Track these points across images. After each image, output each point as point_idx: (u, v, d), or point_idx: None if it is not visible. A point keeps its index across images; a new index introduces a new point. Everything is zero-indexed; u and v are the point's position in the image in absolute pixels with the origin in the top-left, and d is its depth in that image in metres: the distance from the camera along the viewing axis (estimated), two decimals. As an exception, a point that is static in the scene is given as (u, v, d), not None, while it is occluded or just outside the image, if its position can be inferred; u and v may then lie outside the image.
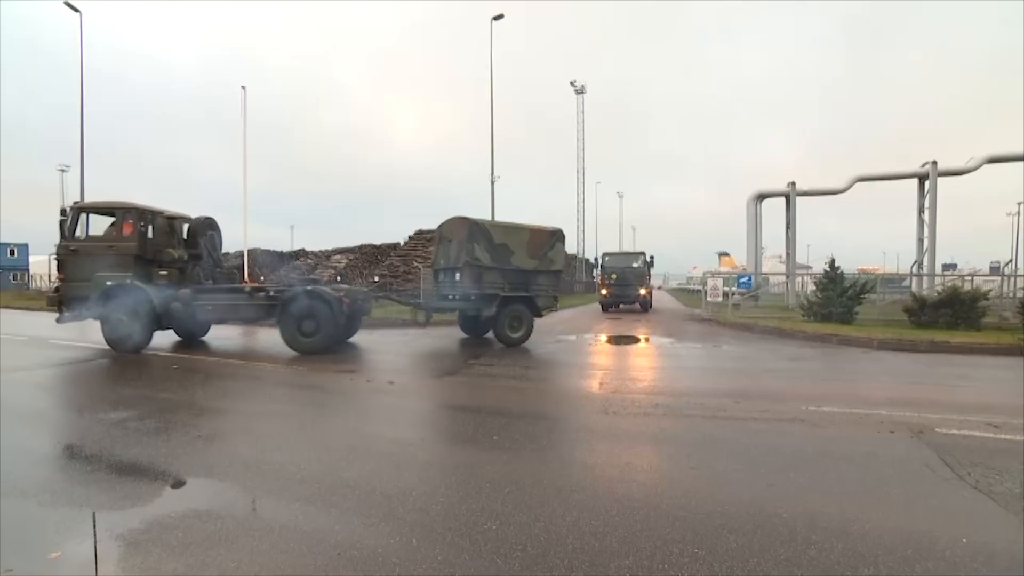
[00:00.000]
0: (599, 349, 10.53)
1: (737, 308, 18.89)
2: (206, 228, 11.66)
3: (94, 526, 2.87)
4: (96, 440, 4.36)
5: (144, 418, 5.06)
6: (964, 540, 2.74)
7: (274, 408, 5.56)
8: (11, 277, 43.07)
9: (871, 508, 3.10)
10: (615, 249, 27.88)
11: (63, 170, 47.76)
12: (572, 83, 49.22)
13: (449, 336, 12.53)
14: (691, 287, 49.33)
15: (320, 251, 42.14)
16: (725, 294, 20.43)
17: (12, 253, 44.35)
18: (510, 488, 3.35)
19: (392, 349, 10.23)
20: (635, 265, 22.26)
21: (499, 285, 10.91)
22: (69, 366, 8.06)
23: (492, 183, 20.15)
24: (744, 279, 21.84)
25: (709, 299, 19.45)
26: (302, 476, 3.53)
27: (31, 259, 45.77)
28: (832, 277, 15.19)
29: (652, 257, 22.90)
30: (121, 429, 4.68)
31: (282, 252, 44.05)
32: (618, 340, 12.00)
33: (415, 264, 31.39)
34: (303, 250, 44.32)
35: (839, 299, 14.79)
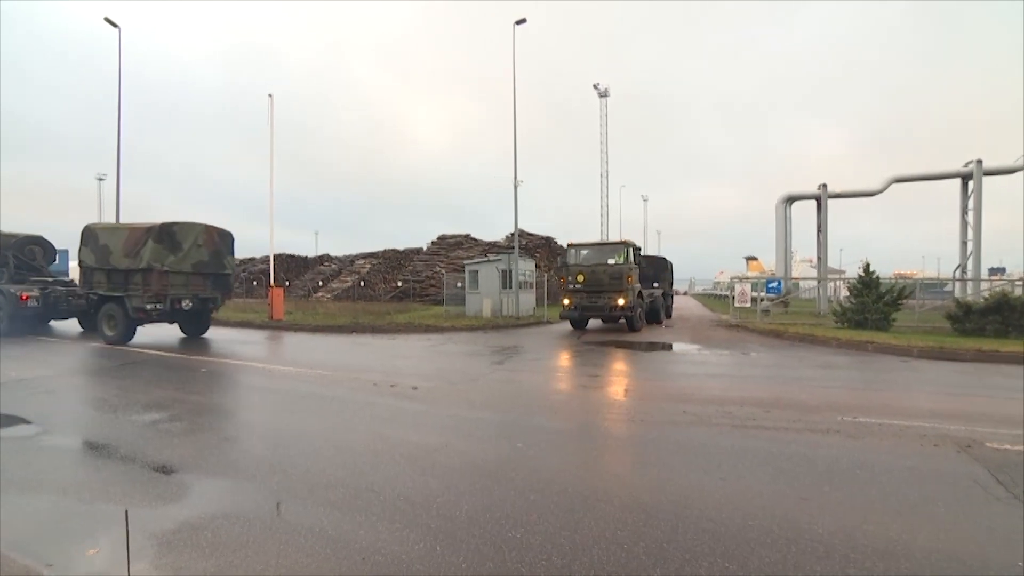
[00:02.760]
0: (624, 356, 10.43)
1: (766, 314, 18.51)
2: (25, 244, 14.86)
3: (127, 524, 2.97)
4: (130, 441, 4.51)
5: (175, 420, 5.21)
6: (1021, 564, 2.62)
7: (300, 412, 5.65)
8: (48, 282, 44.81)
9: (916, 527, 2.97)
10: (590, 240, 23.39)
11: (100, 179, 49.71)
12: (595, 86, 49.13)
13: (473, 342, 12.58)
14: (718, 292, 48.53)
15: (344, 256, 42.86)
16: (753, 299, 20.04)
17: (55, 259, 46.17)
18: (535, 496, 3.34)
19: (416, 354, 10.32)
20: (612, 262, 14.83)
21: (102, 285, 11.99)
22: (106, 370, 8.35)
23: (515, 187, 20.19)
24: (773, 284, 21.35)
25: (737, 304, 19.11)
26: (327, 480, 3.59)
27: (71, 264, 47.58)
28: (867, 282, 14.75)
29: (641, 257, 22.34)
30: (154, 430, 4.83)
31: (306, 257, 44.91)
32: (644, 347, 11.88)
33: (438, 269, 31.64)
34: (327, 255, 45.13)
35: (875, 305, 14.35)
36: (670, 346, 12.03)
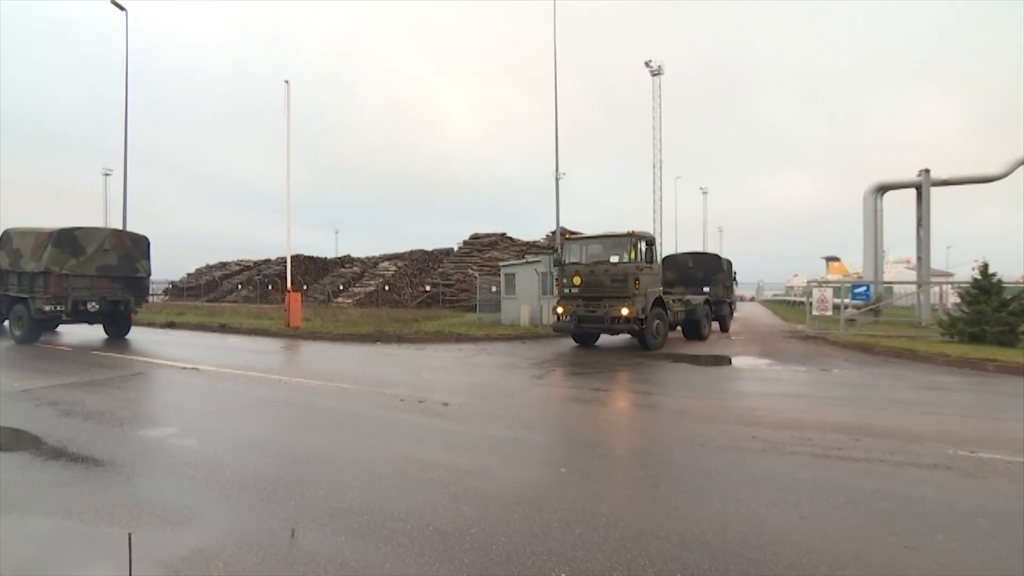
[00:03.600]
0: (681, 371, 10.23)
1: (852, 324, 17.78)
2: None
3: (130, 551, 3.08)
4: (137, 461, 4.70)
5: (184, 436, 5.40)
6: None
7: (319, 430, 5.77)
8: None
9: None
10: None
11: (107, 174, 52.67)
12: (647, 63, 48.62)
13: (510, 353, 12.60)
14: (791, 298, 47.03)
15: (367, 258, 43.86)
16: (835, 307, 19.28)
17: None
18: (581, 529, 3.28)
19: (447, 366, 10.41)
20: (615, 259, 13.18)
21: (13, 287, 14.18)
22: (111, 380, 8.78)
23: (556, 180, 20.16)
24: (860, 289, 20.30)
25: (815, 313, 18.44)
26: (349, 506, 3.63)
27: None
28: (985, 287, 13.78)
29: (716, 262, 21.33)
30: (163, 449, 5.02)
31: (326, 259, 46.18)
32: (704, 361, 11.63)
33: (470, 271, 31.91)
34: (348, 257, 46.28)
35: (995, 315, 13.36)
36: (733, 360, 11.71)
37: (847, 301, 19.04)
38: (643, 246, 13.22)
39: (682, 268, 19.76)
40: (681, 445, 5.14)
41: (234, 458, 4.70)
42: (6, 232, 14.58)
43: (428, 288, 34.21)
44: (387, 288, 35.52)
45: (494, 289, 22.51)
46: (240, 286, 45.96)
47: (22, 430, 5.64)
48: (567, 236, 14.32)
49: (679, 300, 15.49)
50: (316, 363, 11.04)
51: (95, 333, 16.28)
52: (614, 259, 13.22)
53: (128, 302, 15.10)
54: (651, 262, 13.44)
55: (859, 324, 18.17)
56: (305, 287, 39.82)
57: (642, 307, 12.90)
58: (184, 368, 9.78)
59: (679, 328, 15.98)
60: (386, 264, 39.78)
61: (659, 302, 13.61)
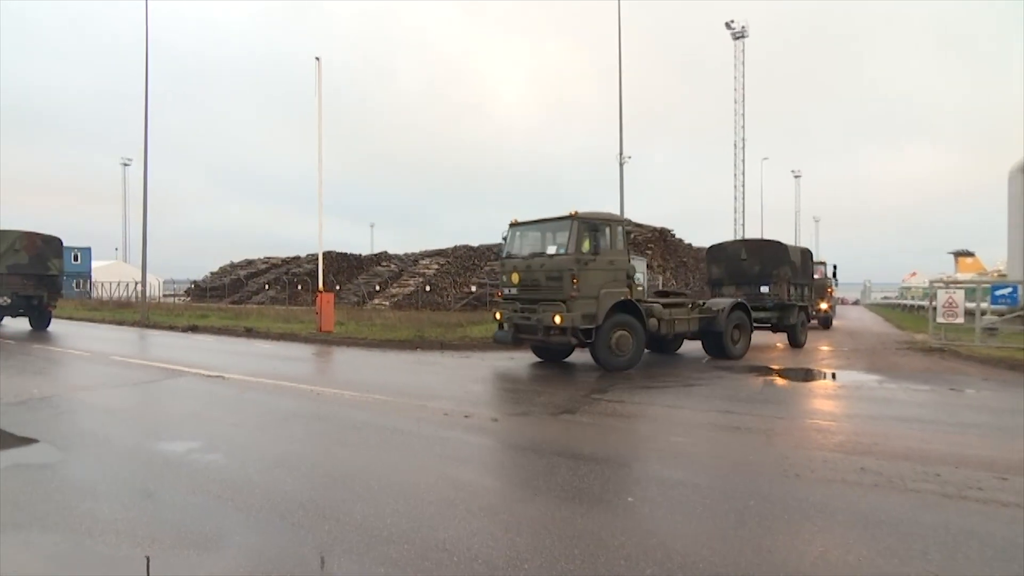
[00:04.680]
0: (768, 386, 9.98)
1: (991, 334, 16.76)
2: None
3: (148, 572, 3.26)
4: (158, 476, 4.96)
5: (209, 451, 5.67)
6: None
7: (355, 447, 5.93)
8: (74, 284, 51.05)
9: None
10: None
11: (126, 164, 56.11)
12: (728, 24, 47.56)
13: (568, 362, 12.57)
14: (907, 301, 44.78)
15: (405, 255, 44.73)
16: (968, 313, 18.22)
17: (76, 258, 52.54)
18: (652, 570, 3.24)
19: (496, 377, 10.49)
20: (553, 251, 11.70)
21: None
22: (132, 387, 9.31)
23: (620, 165, 20.00)
24: (1004, 291, 18.95)
25: (941, 320, 17.47)
26: (388, 533, 3.71)
27: (93, 264, 54.01)
28: None
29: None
30: (187, 464, 5.28)
31: (360, 256, 47.41)
32: (795, 375, 11.26)
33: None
34: (385, 254, 47.36)
35: None
36: (834, 376, 11.29)
37: (984, 306, 17.95)
38: (591, 232, 11.42)
39: (731, 261, 17.37)
40: (771, 474, 4.99)
41: (262, 476, 4.89)
42: None
43: (474, 288, 34.54)
44: (428, 289, 36.10)
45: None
46: (267, 286, 47.75)
47: (40, 441, 6.05)
48: (514, 222, 12.70)
49: (683, 305, 13.50)
50: (350, 372, 11.35)
51: (120, 336, 17.29)
52: (551, 250, 11.71)
53: (41, 297, 19.51)
54: (597, 253, 11.39)
55: (1001, 334, 17.08)
56: (338, 287, 40.96)
57: (586, 314, 11.12)
58: (208, 376, 10.25)
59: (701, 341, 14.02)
60: (427, 262, 40.42)
61: (626, 307, 11.68)
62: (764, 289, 16.58)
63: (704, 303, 13.99)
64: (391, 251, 47.73)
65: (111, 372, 10.75)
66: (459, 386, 9.60)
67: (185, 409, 7.81)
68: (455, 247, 40.77)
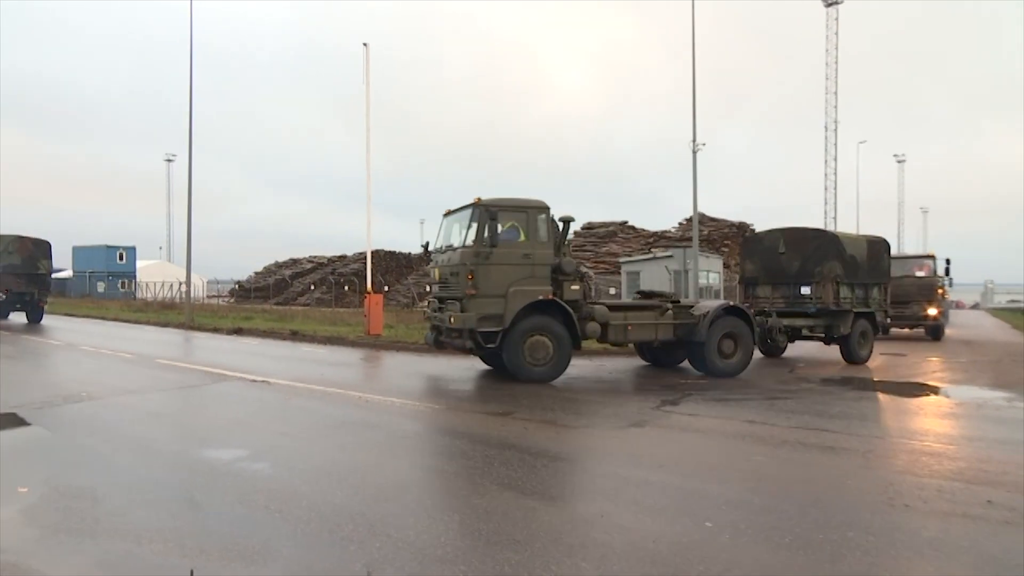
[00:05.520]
0: (863, 399, 9.63)
1: None
2: None
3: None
4: (204, 484, 5.14)
5: (255, 460, 5.84)
6: None
7: (406, 458, 6.01)
8: (120, 285, 53.78)
9: None
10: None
11: (169, 160, 58.72)
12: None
13: (635, 370, 12.50)
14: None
15: (455, 252, 45.17)
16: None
17: (121, 258, 55.38)
18: (738, 605, 3.14)
19: (555, 385, 10.45)
20: (457, 244, 11.41)
21: None
22: (176, 391, 9.71)
23: (694, 153, 19.59)
24: None
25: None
26: (443, 552, 3.73)
27: (138, 264, 56.74)
28: None
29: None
30: (233, 473, 5.46)
31: (409, 254, 48.17)
32: (896, 388, 10.81)
33: (583, 270, 31.92)
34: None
35: None
36: (947, 392, 10.76)
37: None
38: (496, 222, 10.56)
39: (768, 256, 15.36)
40: (873, 503, 4.77)
41: (310, 487, 5.00)
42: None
43: (612, 291, 34.57)
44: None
45: (613, 291, 22.33)
46: (312, 287, 49.06)
47: (89, 445, 6.38)
48: (447, 212, 12.32)
49: (650, 309, 12.24)
50: (400, 378, 11.52)
51: (165, 338, 18.10)
52: (455, 243, 11.40)
53: (32, 294, 24.18)
54: (494, 246, 10.52)
55: None
56: (386, 288, 41.66)
57: (488, 315, 10.53)
58: (253, 381, 10.58)
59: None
60: (479, 260, 40.66)
61: (547, 308, 10.95)
62: (805, 290, 14.46)
63: (691, 307, 12.57)
64: (441, 249, 48.21)
65: (157, 376, 11.23)
66: (514, 395, 9.61)
67: (230, 415, 8.08)
68: (510, 245, 40.91)
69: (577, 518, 4.34)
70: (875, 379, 11.87)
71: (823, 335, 14.50)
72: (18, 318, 25.21)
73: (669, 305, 12.19)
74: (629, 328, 11.69)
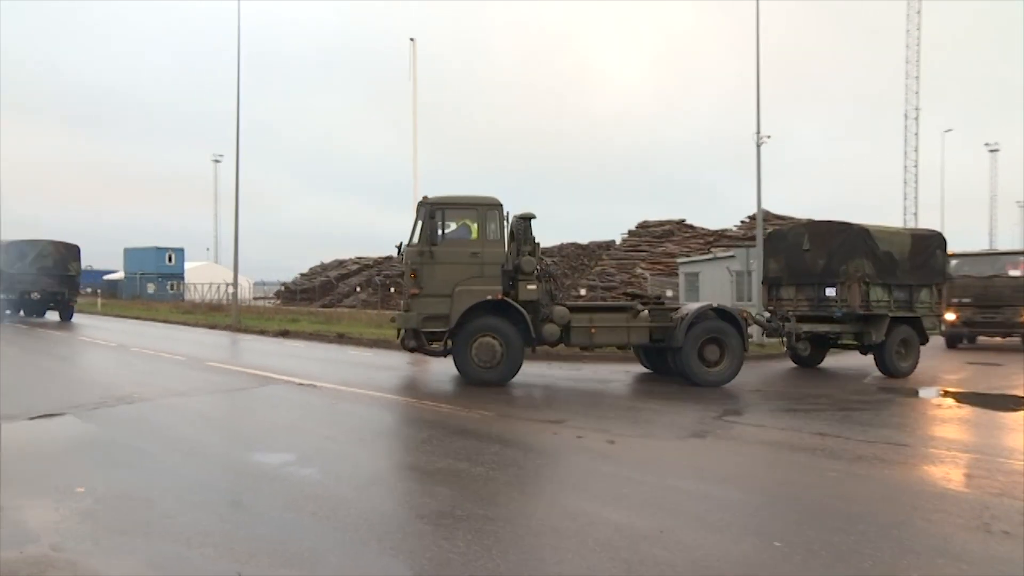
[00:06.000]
0: (953, 413, 9.33)
1: None
2: None
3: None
4: (253, 488, 5.27)
5: (303, 465, 5.96)
6: None
7: (455, 465, 6.03)
8: (169, 287, 55.75)
9: None
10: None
11: (217, 160, 60.55)
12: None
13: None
14: None
15: (504, 253, 45.43)
16: None
17: (170, 259, 57.41)
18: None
19: (608, 392, 10.40)
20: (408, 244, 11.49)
21: None
22: (226, 393, 10.00)
23: (758, 145, 19.15)
24: None
25: None
26: (495, 565, 3.73)
27: (186, 265, 58.72)
28: None
29: None
30: (280, 476, 5.58)
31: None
32: (990, 400, 10.35)
33: (638, 270, 31.66)
34: (482, 252, 48.32)
35: None
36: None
37: None
38: (444, 220, 11.11)
39: (792, 253, 14.26)
40: (966, 527, 4.54)
41: (358, 493, 5.08)
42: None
43: (583, 291, 34.43)
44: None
45: (670, 293, 22.07)
46: (358, 288, 49.91)
47: (138, 446, 6.61)
48: (430, 201, 11.87)
49: (622, 310, 11.91)
50: (448, 383, 11.58)
51: (213, 340, 18.69)
52: (416, 239, 11.21)
53: (63, 293, 27.32)
54: (434, 243, 10.81)
55: None
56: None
57: (432, 315, 10.72)
58: (300, 384, 10.80)
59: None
60: (530, 261, 40.80)
61: (498, 308, 10.97)
62: (829, 292, 13.28)
63: (675, 309, 12.20)
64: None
65: (205, 378, 11.58)
66: (566, 401, 9.58)
67: (278, 419, 8.27)
68: (561, 245, 40.88)
69: (636, 534, 4.27)
70: (964, 391, 11.39)
71: (855, 343, 13.34)
72: (74, 318, 26.90)
73: (641, 307, 11.74)
74: (593, 331, 11.40)
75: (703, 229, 35.71)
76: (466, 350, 10.70)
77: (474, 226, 11.22)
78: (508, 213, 11.44)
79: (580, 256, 39.41)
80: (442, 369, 13.31)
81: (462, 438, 7.26)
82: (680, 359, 11.26)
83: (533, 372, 12.98)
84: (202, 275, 54.58)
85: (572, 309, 11.56)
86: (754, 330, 13.31)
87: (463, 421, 8.05)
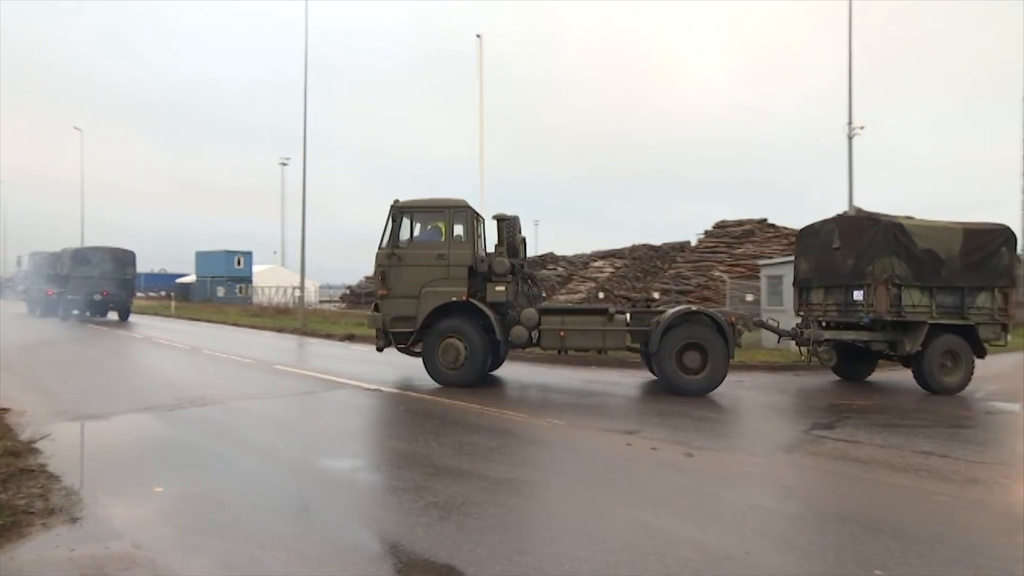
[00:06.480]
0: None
1: None
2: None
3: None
4: (323, 493, 5.42)
5: (373, 470, 6.08)
6: None
7: (527, 475, 6.06)
8: (237, 290, 57.81)
9: None
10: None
11: (284, 164, 62.44)
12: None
13: (779, 388, 12.03)
14: None
15: (574, 256, 45.17)
16: None
17: (239, 263, 59.54)
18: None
19: (685, 402, 10.21)
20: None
21: (57, 286, 31.48)
22: (295, 397, 10.31)
23: (849, 137, 18.51)
24: None
25: None
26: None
27: (253, 269, 60.74)
28: None
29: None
30: (349, 482, 5.71)
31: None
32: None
33: (715, 273, 31.02)
34: (551, 255, 48.22)
35: None
36: None
37: None
38: (410, 223, 11.77)
39: (822, 252, 13.18)
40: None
41: (427, 499, 5.13)
42: (66, 249, 32.16)
43: (656, 295, 33.96)
44: (601, 295, 36.15)
45: (750, 298, 21.49)
46: (424, 292, 50.52)
47: (213, 448, 6.89)
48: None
49: (596, 313, 12.08)
50: (513, 389, 11.62)
51: (281, 344, 19.32)
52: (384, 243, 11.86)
53: (121, 295, 31.43)
54: (396, 245, 11.51)
55: None
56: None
57: (400, 316, 11.42)
58: (366, 389, 11.08)
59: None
60: (600, 264, 40.45)
61: (464, 310, 11.41)
62: (857, 295, 12.10)
63: (659, 313, 11.77)
64: (558, 252, 48.32)
65: (275, 381, 11.97)
66: (641, 411, 9.48)
67: (346, 423, 8.49)
68: (633, 246, 40.39)
69: (719, 554, 4.19)
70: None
71: (892, 353, 12.12)
72: (149, 322, 28.06)
73: (614, 311, 11.77)
74: (562, 334, 11.52)
75: (786, 229, 34.57)
76: (434, 351, 11.29)
77: (443, 228, 11.77)
78: (508, 217, 12.09)
79: (653, 258, 38.82)
80: (510, 375, 13.37)
81: (534, 447, 7.29)
82: (656, 364, 11.25)
83: (604, 379, 12.91)
84: (269, 278, 56.32)
85: (543, 311, 11.81)
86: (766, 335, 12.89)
87: (533, 430, 8.05)
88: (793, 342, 13.16)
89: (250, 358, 15.65)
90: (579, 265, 43.06)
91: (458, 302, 11.30)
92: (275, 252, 70.56)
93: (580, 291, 37.90)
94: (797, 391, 11.79)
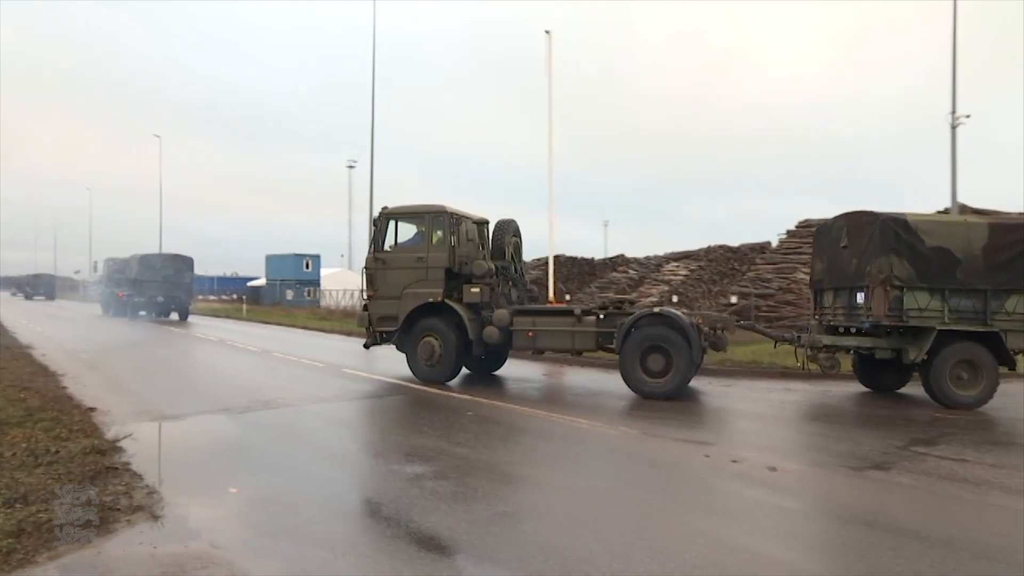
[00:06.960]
0: None
1: None
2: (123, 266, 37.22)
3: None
4: (392, 497, 5.53)
5: (440, 477, 6.15)
6: None
7: (596, 485, 6.03)
8: (306, 293, 59.44)
9: None
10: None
11: (351, 166, 63.86)
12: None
13: (868, 400, 11.64)
14: None
15: (646, 258, 44.62)
16: None
17: (307, 266, 61.20)
18: None
19: (768, 414, 10.02)
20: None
21: (126, 288, 37.00)
22: (363, 401, 10.55)
23: (953, 127, 17.67)
24: None
25: None
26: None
27: (321, 272, 62.28)
28: None
29: None
30: (417, 488, 5.79)
31: (592, 260, 48.42)
32: None
33: (798, 275, 30.15)
34: (622, 256, 47.81)
35: None
36: None
37: None
38: (377, 229, 13.05)
39: (833, 251, 12.59)
40: None
41: (495, 511, 5.19)
42: (134, 256, 36.00)
43: (734, 300, 33.20)
44: (675, 299, 35.65)
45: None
46: (491, 294, 50.80)
47: (285, 451, 7.13)
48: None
49: (566, 314, 12.41)
50: (584, 396, 11.59)
51: (348, 347, 19.79)
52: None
53: (180, 297, 35.48)
54: (378, 249, 12.85)
55: None
56: (568, 296, 42.11)
57: (385, 315, 12.70)
58: (431, 392, 11.28)
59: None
60: (673, 266, 39.84)
61: (440, 310, 12.35)
62: (860, 298, 11.39)
63: (629, 315, 11.54)
64: (629, 254, 47.76)
65: (344, 385, 12.32)
66: (723, 423, 9.36)
67: (412, 427, 8.67)
68: (708, 248, 39.58)
69: (799, 573, 4.08)
70: None
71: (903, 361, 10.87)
72: (212, 325, 29.28)
73: (580, 311, 12.24)
74: (531, 335, 12.18)
75: (879, 228, 33.39)
76: (414, 349, 12.43)
77: (424, 233, 12.92)
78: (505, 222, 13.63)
79: (730, 260, 37.93)
80: (579, 381, 13.34)
81: (605, 456, 7.26)
82: (620, 366, 11.34)
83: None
84: (336, 282, 57.54)
85: (516, 312, 12.39)
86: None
87: (605, 438, 8.01)
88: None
89: (319, 361, 16.08)
90: (651, 267, 42.53)
91: (435, 303, 12.27)
92: (342, 255, 72.00)
93: (652, 294, 37.44)
94: (893, 402, 11.32)
